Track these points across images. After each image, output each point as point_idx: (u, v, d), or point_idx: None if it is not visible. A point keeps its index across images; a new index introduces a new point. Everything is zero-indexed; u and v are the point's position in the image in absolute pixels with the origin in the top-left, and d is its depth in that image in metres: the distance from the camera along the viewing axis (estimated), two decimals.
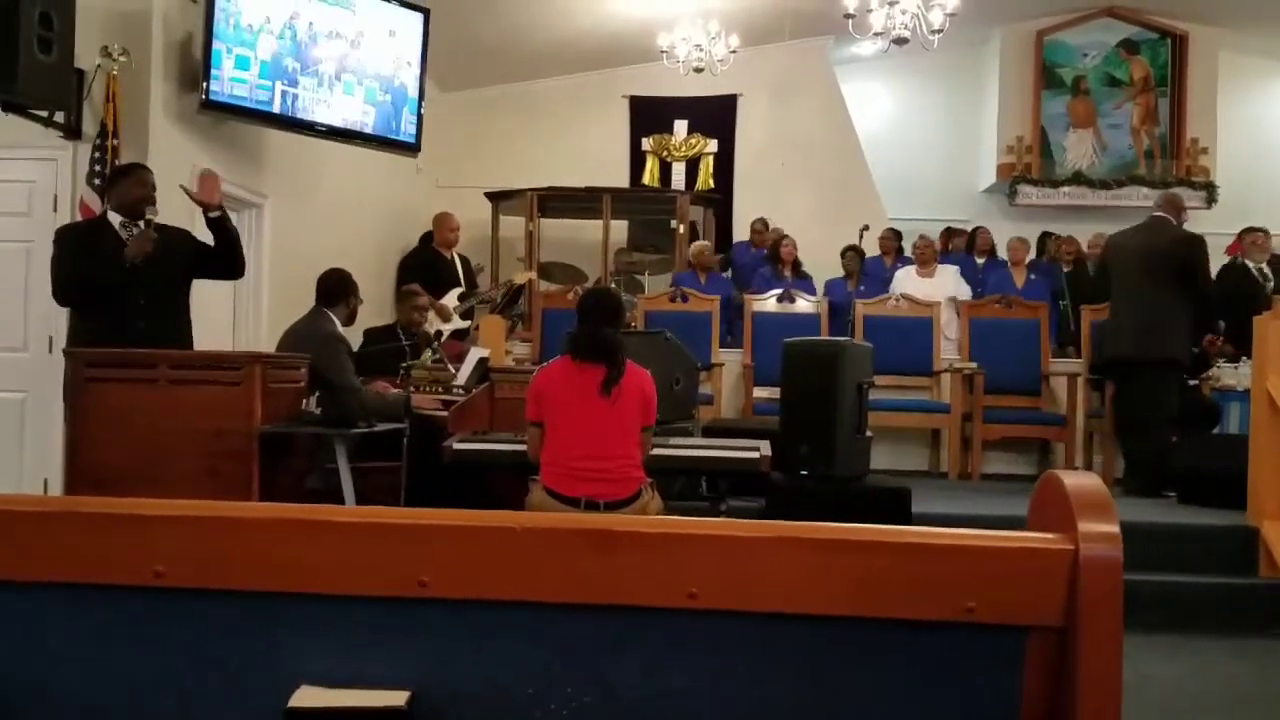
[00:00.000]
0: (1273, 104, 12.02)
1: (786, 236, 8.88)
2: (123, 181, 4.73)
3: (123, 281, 4.49)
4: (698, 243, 8.91)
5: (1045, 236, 9.90)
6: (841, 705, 1.25)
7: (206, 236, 4.86)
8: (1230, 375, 6.72)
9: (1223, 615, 4.70)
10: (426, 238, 8.70)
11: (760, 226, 9.58)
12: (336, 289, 5.10)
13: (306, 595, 1.26)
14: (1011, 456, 7.68)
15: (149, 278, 4.56)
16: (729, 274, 9.38)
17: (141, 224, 4.56)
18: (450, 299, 7.78)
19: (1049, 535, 1.22)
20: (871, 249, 8.95)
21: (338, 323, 5.07)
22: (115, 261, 4.46)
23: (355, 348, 6.15)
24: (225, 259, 4.84)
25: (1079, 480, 1.24)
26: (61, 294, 4.62)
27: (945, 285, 8.20)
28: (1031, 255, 9.17)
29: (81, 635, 1.28)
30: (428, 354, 5.97)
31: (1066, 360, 7.78)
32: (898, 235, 9.26)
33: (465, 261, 8.30)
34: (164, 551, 1.25)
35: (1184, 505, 5.75)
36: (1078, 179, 11.40)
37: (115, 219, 4.63)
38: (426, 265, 8.05)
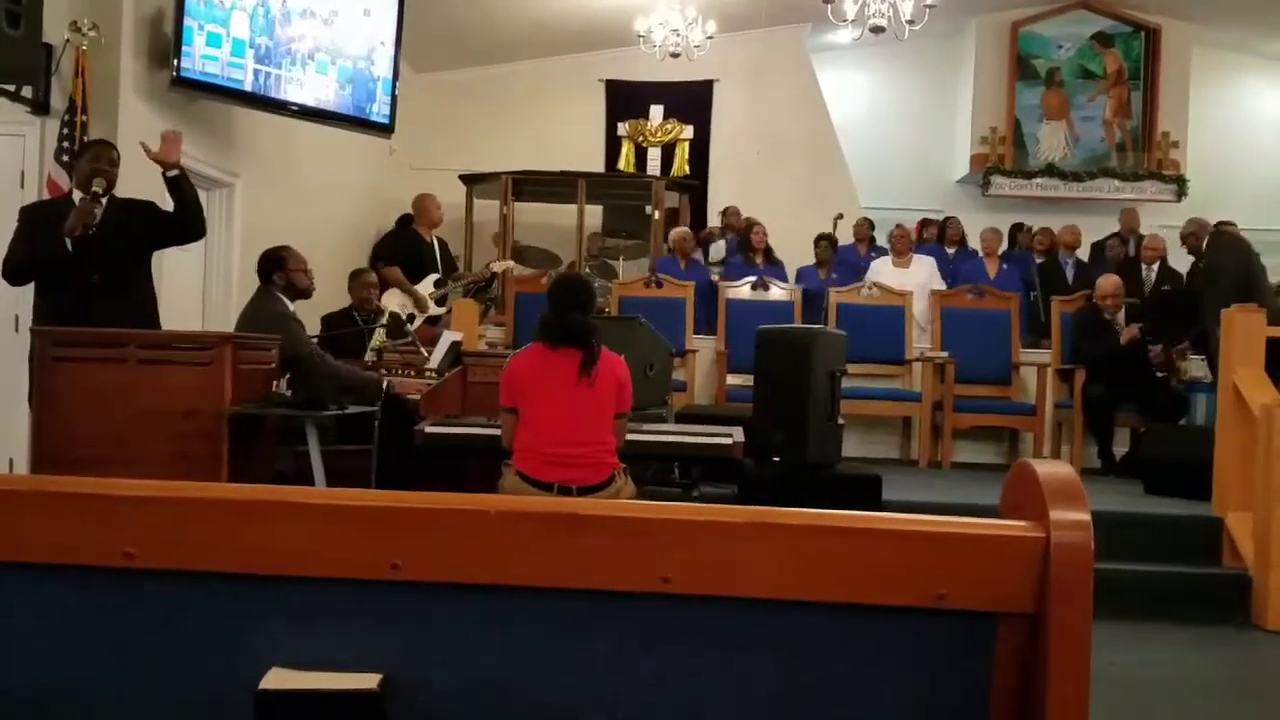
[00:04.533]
0: (1243, 98, 12.13)
1: (757, 223, 8.88)
2: (82, 158, 4.67)
3: (66, 259, 4.41)
4: (679, 229, 8.90)
5: (1017, 228, 9.95)
6: (813, 690, 1.25)
7: (168, 204, 4.79)
8: (1198, 367, 6.77)
9: (1188, 604, 4.76)
10: (403, 220, 8.63)
11: (732, 214, 9.58)
12: (266, 266, 5.09)
13: (278, 577, 1.25)
14: (981, 445, 7.73)
15: (103, 255, 4.49)
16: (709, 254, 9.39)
17: (87, 196, 4.47)
18: (426, 286, 7.71)
19: (1021, 523, 1.23)
20: (846, 237, 8.96)
21: (286, 301, 5.05)
22: (58, 239, 4.39)
23: (314, 334, 6.11)
24: (182, 221, 4.75)
25: (1051, 469, 1.25)
26: (5, 271, 4.56)
27: (920, 276, 8.23)
28: (1004, 247, 9.22)
29: (50, 617, 1.27)
30: (380, 334, 5.91)
31: (1036, 350, 7.83)
32: (871, 225, 9.29)
33: (444, 246, 8.24)
34: (134, 533, 1.24)
35: (1151, 495, 5.81)
36: (1050, 171, 11.47)
37: (78, 196, 4.56)
38: (407, 248, 7.96)
